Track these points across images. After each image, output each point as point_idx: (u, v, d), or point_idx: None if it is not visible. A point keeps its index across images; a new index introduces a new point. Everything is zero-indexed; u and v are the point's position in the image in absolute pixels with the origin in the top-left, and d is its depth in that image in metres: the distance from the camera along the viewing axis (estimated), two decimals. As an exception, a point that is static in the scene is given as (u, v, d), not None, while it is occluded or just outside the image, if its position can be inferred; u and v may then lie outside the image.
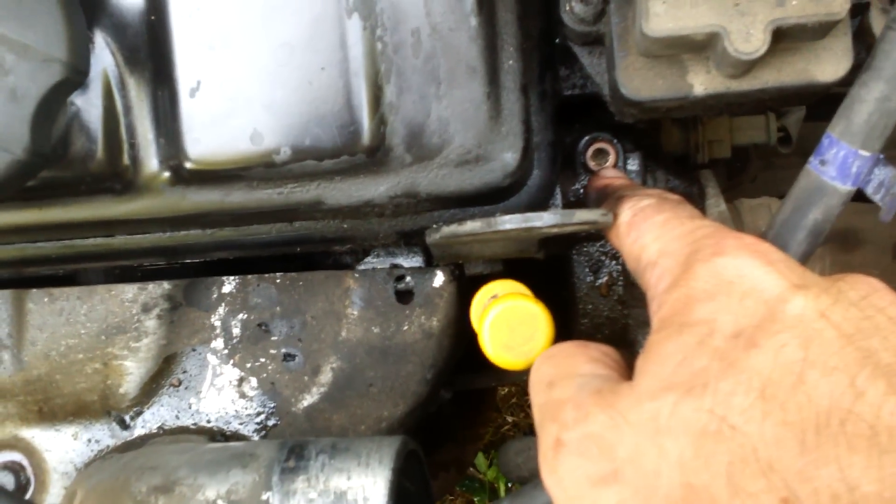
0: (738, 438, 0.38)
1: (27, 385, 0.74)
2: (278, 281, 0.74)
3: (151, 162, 0.57)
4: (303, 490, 0.57)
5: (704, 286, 0.44)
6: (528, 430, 1.98)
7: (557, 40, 0.64)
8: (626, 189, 0.59)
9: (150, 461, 0.63)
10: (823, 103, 0.94)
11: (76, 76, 0.52)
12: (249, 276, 0.74)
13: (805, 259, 0.49)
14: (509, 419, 2.10)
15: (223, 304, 0.75)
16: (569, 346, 0.51)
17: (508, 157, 0.57)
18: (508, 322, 0.55)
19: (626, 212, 0.53)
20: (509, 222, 0.53)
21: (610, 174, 0.65)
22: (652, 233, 0.50)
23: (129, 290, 0.73)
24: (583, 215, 0.52)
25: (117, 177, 0.57)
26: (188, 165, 0.56)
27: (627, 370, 0.49)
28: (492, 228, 0.54)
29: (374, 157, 0.56)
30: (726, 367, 0.40)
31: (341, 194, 0.58)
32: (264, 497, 0.56)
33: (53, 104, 0.51)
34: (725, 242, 0.45)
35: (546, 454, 0.46)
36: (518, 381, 1.43)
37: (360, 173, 0.57)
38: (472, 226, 0.55)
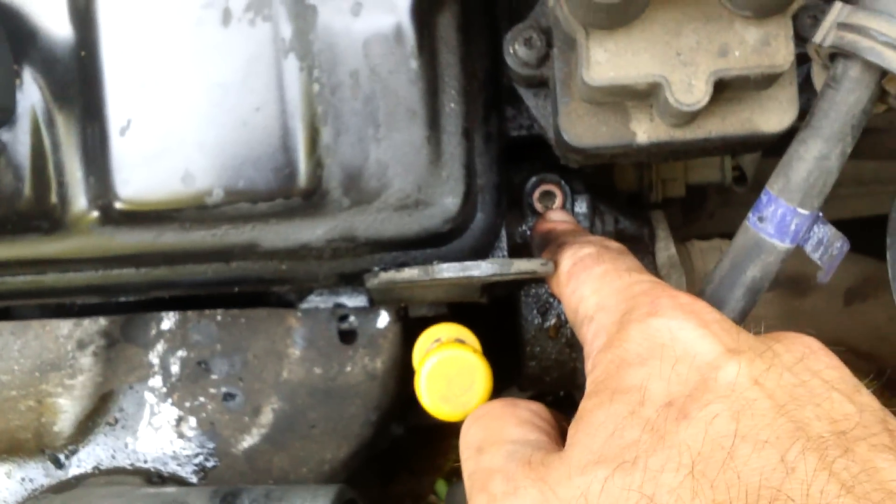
0: None
1: (-43, 422, 0.72)
2: (219, 318, 0.72)
3: (80, 201, 0.55)
4: (232, 543, 0.55)
5: (637, 349, 0.43)
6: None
7: (504, 81, 0.63)
8: (569, 235, 0.58)
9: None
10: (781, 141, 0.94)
11: (4, 115, 0.50)
12: (189, 313, 0.72)
13: (744, 316, 0.48)
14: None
15: (162, 341, 0.73)
16: (497, 407, 0.49)
17: (449, 201, 0.56)
18: (446, 373, 0.54)
19: (567, 261, 0.52)
20: (447, 271, 0.52)
21: (556, 217, 0.64)
22: (590, 285, 0.49)
23: (64, 326, 0.71)
24: (521, 265, 0.51)
25: (45, 215, 0.55)
26: (118, 205, 0.54)
27: (557, 429, 0.48)
28: (430, 277, 0.53)
29: (311, 200, 0.55)
30: (657, 440, 0.39)
31: (277, 237, 0.56)
32: (192, 550, 0.54)
33: (-25, 143, 0.49)
34: (660, 302, 0.44)
35: None
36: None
37: (297, 216, 0.55)
38: (409, 273, 0.53)
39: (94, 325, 0.71)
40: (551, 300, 0.73)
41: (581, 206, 0.67)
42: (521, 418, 0.48)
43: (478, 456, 0.47)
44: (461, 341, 0.60)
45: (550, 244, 0.57)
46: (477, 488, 0.45)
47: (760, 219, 0.47)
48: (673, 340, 0.42)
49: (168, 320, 0.72)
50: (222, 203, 0.54)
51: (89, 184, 0.55)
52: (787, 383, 0.39)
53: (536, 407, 0.50)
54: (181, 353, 0.72)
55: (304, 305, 0.71)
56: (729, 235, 0.84)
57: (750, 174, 0.87)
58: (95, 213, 0.55)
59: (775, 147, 0.91)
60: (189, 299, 0.71)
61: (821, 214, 0.46)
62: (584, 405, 0.44)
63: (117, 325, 0.72)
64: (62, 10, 0.53)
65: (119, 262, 0.59)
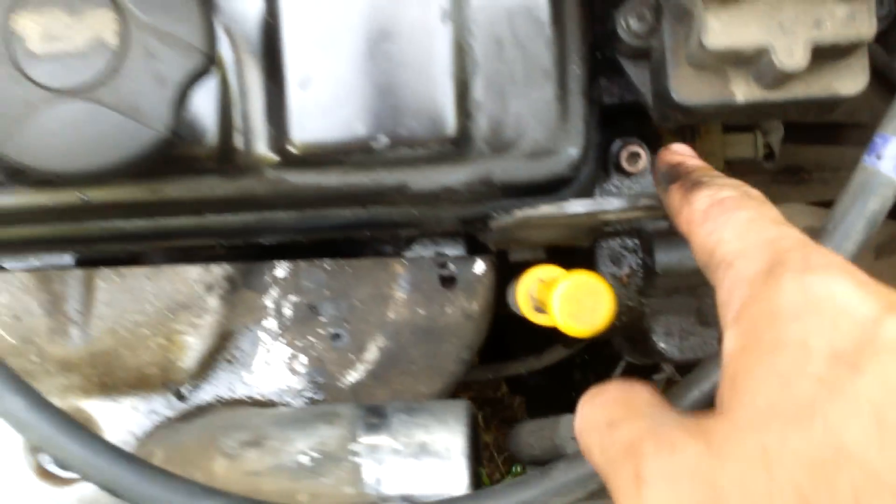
0: (859, 466, 0.37)
1: (92, 358, 0.79)
2: (327, 267, 0.81)
3: (260, 146, 0.63)
4: (388, 443, 0.63)
5: (792, 304, 0.42)
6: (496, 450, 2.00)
7: (598, 55, 0.73)
8: (703, 173, 0.56)
9: (233, 421, 0.69)
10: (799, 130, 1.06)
11: (209, 64, 0.58)
12: (300, 262, 0.81)
13: (863, 247, 0.54)
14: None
15: (276, 287, 0.81)
16: (616, 388, 0.49)
17: (573, 151, 0.65)
18: (576, 294, 0.63)
19: (704, 199, 0.51)
20: (581, 206, 0.62)
21: (682, 150, 0.61)
22: (732, 229, 0.48)
23: (193, 271, 0.78)
24: (646, 201, 0.61)
25: (227, 158, 0.63)
26: (293, 150, 0.63)
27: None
28: (563, 212, 0.62)
29: (458, 147, 0.64)
30: (832, 393, 0.38)
31: (425, 180, 0.65)
32: (353, 448, 0.63)
33: (189, 88, 0.58)
34: (813, 258, 0.43)
35: (623, 493, 0.43)
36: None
37: (444, 161, 0.64)
38: (546, 209, 0.63)
39: (220, 270, 0.79)
40: (623, 251, 0.83)
41: (660, 167, 0.77)
42: (648, 392, 0.48)
43: (610, 431, 0.46)
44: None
45: (680, 178, 0.56)
46: (620, 456, 0.44)
47: (878, 157, 0.56)
48: (831, 296, 0.41)
49: (281, 269, 0.81)
50: (386, 148, 0.62)
51: (269, 131, 0.63)
52: None
53: (652, 385, 0.49)
54: (293, 297, 0.81)
55: (409, 254, 0.80)
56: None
57: (777, 150, 0.99)
58: (274, 157, 0.63)
59: (795, 134, 1.03)
60: (298, 250, 0.80)
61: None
62: (738, 363, 0.43)
63: (239, 272, 0.80)
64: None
65: (280, 203, 0.67)
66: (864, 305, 0.41)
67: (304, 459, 0.63)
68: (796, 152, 1.11)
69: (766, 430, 0.39)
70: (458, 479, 0.62)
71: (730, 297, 0.46)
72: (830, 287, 0.41)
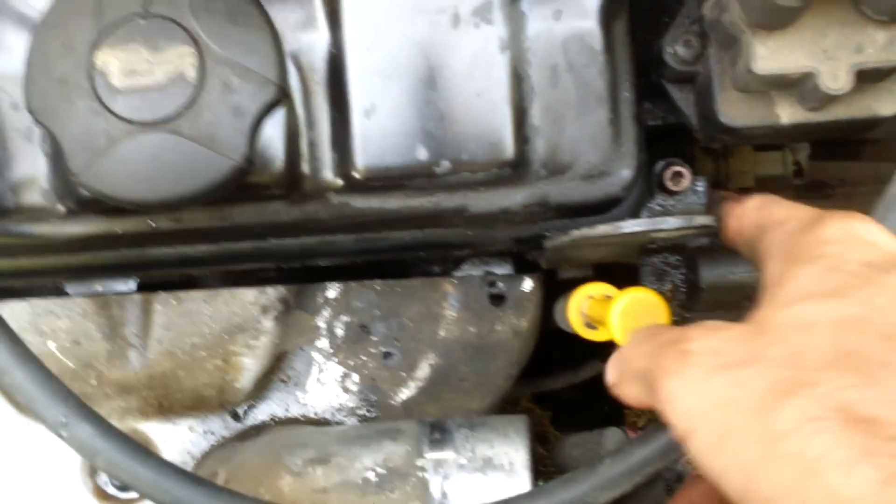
0: (886, 319, 0.43)
1: (150, 381, 0.81)
2: (377, 287, 0.83)
3: (326, 172, 0.66)
4: (453, 458, 0.65)
5: (833, 234, 0.48)
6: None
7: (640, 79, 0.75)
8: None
9: (297, 439, 0.71)
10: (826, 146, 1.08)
11: (282, 96, 0.61)
12: (351, 283, 0.83)
13: None
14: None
15: (328, 308, 0.83)
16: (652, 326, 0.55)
17: (626, 172, 0.68)
18: (633, 311, 0.65)
19: (755, 199, 0.59)
20: (638, 225, 0.64)
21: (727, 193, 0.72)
22: (783, 206, 0.56)
23: (249, 294, 0.81)
24: (701, 219, 0.63)
25: (294, 185, 0.66)
26: (357, 176, 0.65)
27: None
28: (619, 231, 0.65)
29: (516, 171, 0.66)
30: (863, 282, 0.44)
31: (484, 202, 0.68)
32: (419, 463, 0.65)
33: (263, 119, 0.60)
34: (853, 213, 0.51)
35: (667, 369, 0.46)
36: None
37: (502, 184, 0.67)
38: (602, 229, 0.65)
39: (275, 293, 0.81)
40: (666, 268, 0.85)
41: (701, 186, 0.80)
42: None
43: (657, 335, 0.50)
44: (608, 297, 0.72)
45: (731, 198, 0.64)
46: (665, 344, 0.47)
47: None
48: (868, 232, 0.49)
49: (333, 290, 0.83)
50: (448, 172, 0.65)
51: (335, 158, 0.65)
52: None
53: None
54: (345, 318, 0.83)
55: (459, 274, 0.82)
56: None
57: (805, 168, 1.01)
58: (339, 182, 0.66)
59: (821, 151, 1.05)
60: (348, 272, 0.82)
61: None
62: (779, 273, 0.48)
63: (292, 293, 0.82)
64: (321, 16, 0.64)
65: (342, 227, 0.69)
66: (893, 243, 0.48)
67: (371, 475, 0.65)
68: (820, 168, 1.13)
69: (801, 304, 0.44)
70: (522, 492, 0.64)
71: (779, 243, 0.52)
72: (867, 228, 0.49)
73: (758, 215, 0.57)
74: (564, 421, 1.55)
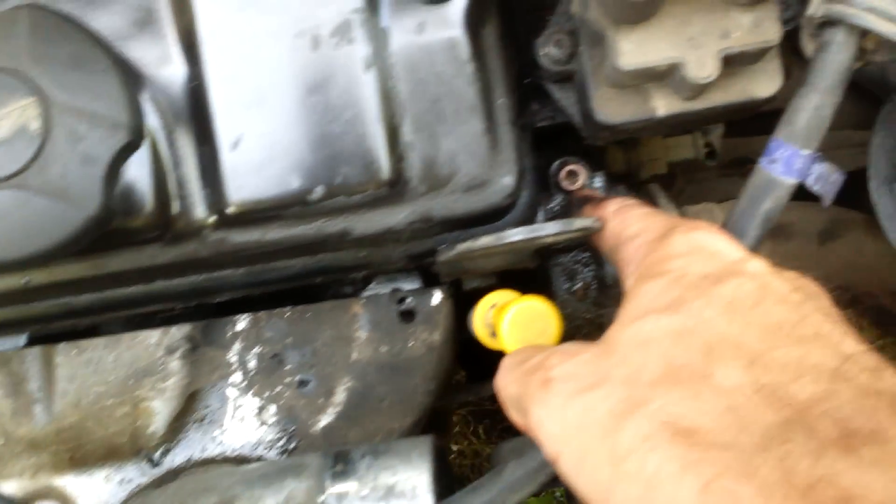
0: (711, 330, 0.46)
1: (59, 434, 0.79)
2: (287, 315, 0.81)
3: (198, 210, 0.64)
4: (355, 489, 0.64)
5: (679, 249, 0.52)
6: (472, 457, 2.03)
7: (527, 80, 0.74)
8: (608, 196, 0.69)
9: (202, 484, 0.69)
10: (742, 121, 1.08)
11: (138, 138, 0.59)
12: (260, 313, 0.81)
13: (758, 243, 0.59)
14: (454, 447, 2.17)
15: (238, 341, 0.81)
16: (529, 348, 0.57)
17: (507, 180, 0.66)
18: (523, 320, 0.64)
19: (612, 205, 0.62)
20: (518, 234, 0.63)
21: (587, 192, 0.75)
22: (635, 217, 0.59)
23: (153, 336, 0.79)
24: (579, 222, 0.62)
25: (167, 226, 0.64)
26: (231, 210, 0.63)
27: None
28: (502, 241, 0.63)
29: (395, 189, 0.65)
30: (696, 295, 0.48)
31: (366, 224, 0.66)
32: (320, 499, 0.63)
33: (119, 164, 0.58)
34: (698, 224, 0.54)
35: (533, 396, 0.49)
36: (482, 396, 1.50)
37: (382, 204, 0.65)
38: (485, 240, 0.64)
39: (179, 332, 0.79)
40: (577, 267, 0.84)
41: (598, 182, 0.78)
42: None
43: (523, 363, 0.53)
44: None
45: (591, 203, 0.66)
46: (529, 373, 0.51)
47: (771, 161, 0.58)
48: (711, 243, 0.52)
49: (242, 322, 0.81)
50: (323, 198, 0.63)
51: (206, 194, 0.64)
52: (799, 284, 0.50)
53: None
54: (256, 349, 0.81)
55: (366, 293, 0.81)
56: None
57: (718, 147, 1.01)
58: (212, 219, 0.64)
59: (738, 127, 1.04)
60: (257, 301, 0.80)
61: (819, 154, 0.59)
62: (630, 288, 0.52)
63: (198, 330, 0.80)
64: (176, 51, 0.63)
65: (225, 262, 0.68)
66: (734, 252, 0.52)
67: (275, 515, 0.64)
68: (740, 145, 1.13)
69: (642, 319, 0.48)
70: (427, 515, 0.63)
71: (633, 257, 0.56)
72: (710, 239, 0.53)
73: (614, 224, 0.60)
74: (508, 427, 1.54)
